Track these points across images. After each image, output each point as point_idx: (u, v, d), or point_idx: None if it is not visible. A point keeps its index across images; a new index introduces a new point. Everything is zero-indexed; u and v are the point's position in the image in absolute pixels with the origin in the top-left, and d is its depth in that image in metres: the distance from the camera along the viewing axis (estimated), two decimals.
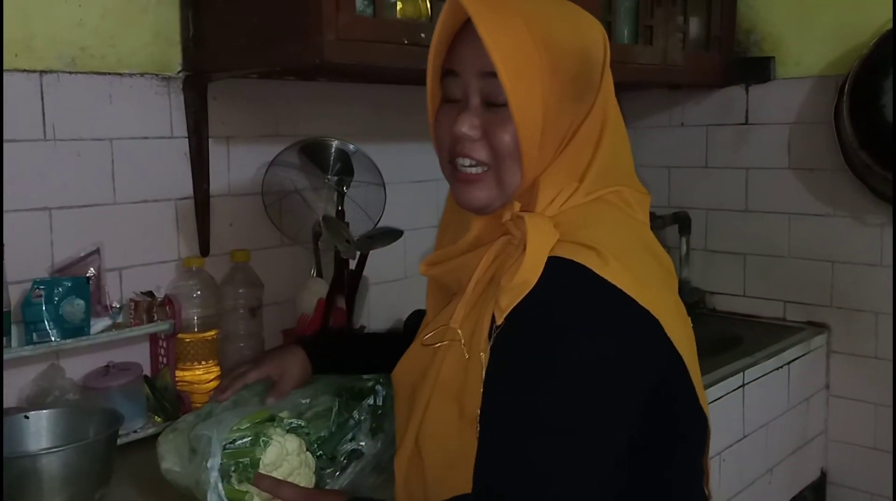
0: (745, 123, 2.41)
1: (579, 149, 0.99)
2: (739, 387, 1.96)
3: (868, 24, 2.14)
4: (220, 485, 1.08)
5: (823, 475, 2.38)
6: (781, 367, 2.13)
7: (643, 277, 0.93)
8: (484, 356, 0.94)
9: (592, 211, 0.98)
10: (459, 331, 0.98)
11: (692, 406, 1.02)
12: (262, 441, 1.12)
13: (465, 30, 0.98)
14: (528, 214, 0.95)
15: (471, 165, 0.99)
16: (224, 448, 1.10)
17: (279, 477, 1.10)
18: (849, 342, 2.31)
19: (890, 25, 2.06)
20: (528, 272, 0.90)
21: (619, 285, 0.89)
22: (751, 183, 2.42)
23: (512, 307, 0.90)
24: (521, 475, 0.86)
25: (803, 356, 2.23)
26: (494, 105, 0.97)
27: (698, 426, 1.05)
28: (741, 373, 1.97)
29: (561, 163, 0.99)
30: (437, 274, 1.09)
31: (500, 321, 0.92)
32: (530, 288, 0.90)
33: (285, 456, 1.13)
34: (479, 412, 0.93)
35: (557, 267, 0.90)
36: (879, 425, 2.28)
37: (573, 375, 0.88)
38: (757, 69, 2.36)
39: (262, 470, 1.10)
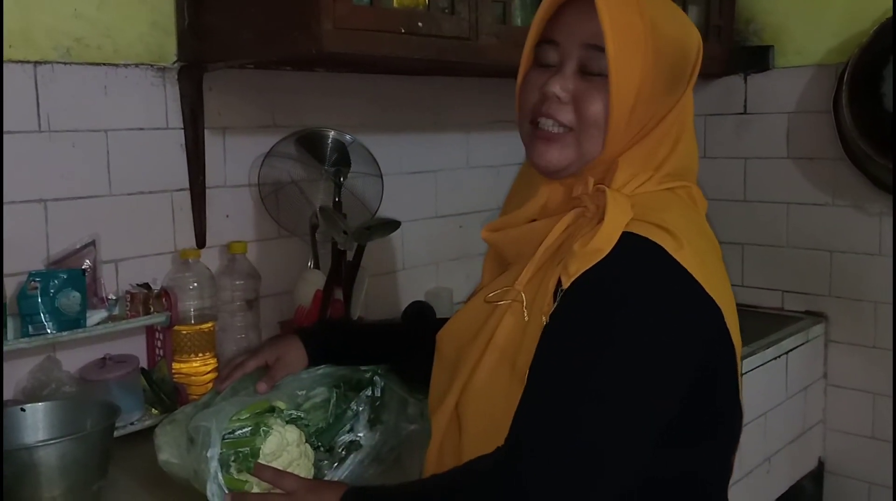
0: (744, 112, 2.41)
1: (660, 139, 1.01)
2: None
3: (868, 13, 2.13)
4: (219, 474, 1.08)
5: (821, 464, 2.39)
6: (780, 356, 2.14)
7: (710, 266, 0.95)
8: (544, 319, 0.95)
9: (664, 199, 1.00)
10: (523, 293, 0.99)
11: (733, 399, 1.03)
12: (263, 430, 1.11)
13: (571, 1, 1.00)
14: (608, 189, 0.96)
15: (553, 125, 1.00)
16: (223, 438, 1.10)
17: (279, 467, 1.10)
18: (847, 331, 2.31)
19: (891, 13, 2.05)
20: (603, 242, 0.91)
21: (690, 270, 0.91)
22: (749, 173, 2.42)
23: (580, 274, 0.92)
24: (558, 434, 0.88)
25: (801, 345, 2.23)
26: (590, 74, 0.98)
27: (735, 421, 1.06)
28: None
29: (641, 148, 1.00)
30: (497, 240, 1.09)
31: (566, 285, 0.93)
32: (601, 257, 0.91)
33: (285, 447, 1.13)
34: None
35: (632, 243, 0.92)
36: (877, 414, 2.28)
37: (630, 348, 0.89)
38: (756, 58, 2.36)
39: (261, 460, 1.10)
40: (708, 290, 0.92)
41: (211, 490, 1.08)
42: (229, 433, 1.11)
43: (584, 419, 0.88)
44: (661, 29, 0.97)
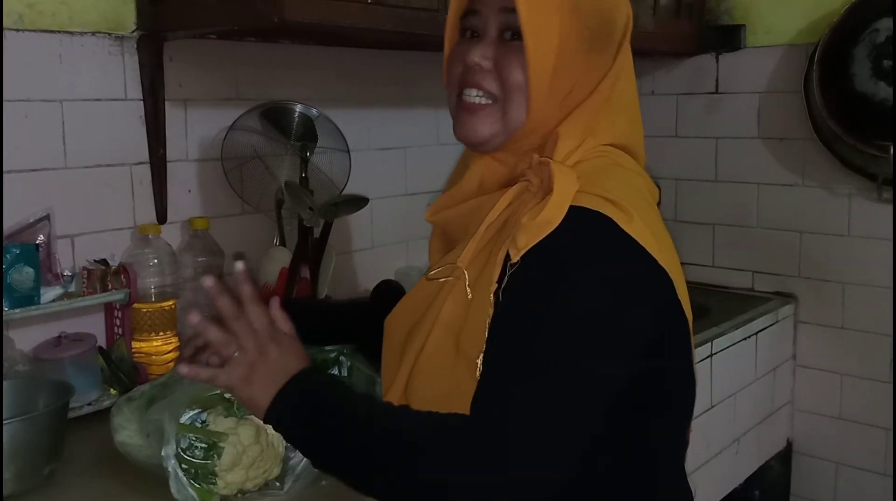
0: (715, 91, 2.40)
1: (597, 110, 0.98)
2: (707, 357, 1.96)
3: None
4: (179, 472, 1.05)
5: (789, 444, 2.40)
6: (749, 337, 2.13)
7: (660, 237, 0.93)
8: (491, 298, 0.92)
9: (604, 167, 0.97)
10: (465, 271, 0.97)
11: (687, 370, 1.02)
12: (216, 452, 1.08)
13: None
14: (552, 161, 0.93)
15: (477, 96, 0.98)
16: (182, 454, 1.07)
17: (243, 471, 1.08)
18: (816, 312, 2.32)
19: None
20: (552, 213, 0.88)
21: (641, 242, 0.89)
22: (720, 152, 2.41)
23: (529, 247, 0.89)
24: (512, 412, 0.84)
25: (771, 326, 2.23)
26: (510, 39, 0.97)
27: (689, 392, 1.05)
28: (709, 343, 1.96)
29: (580, 118, 0.98)
30: (443, 219, 1.07)
31: (515, 259, 0.90)
32: (551, 229, 0.88)
33: (242, 452, 1.09)
34: (477, 352, 0.92)
35: (581, 216, 0.89)
36: (845, 395, 2.30)
37: (580, 322, 0.87)
38: (728, 37, 2.35)
39: (220, 475, 1.07)
40: (661, 262, 0.91)
41: (174, 487, 1.05)
42: (186, 449, 1.07)
43: (543, 393, 0.85)
44: None
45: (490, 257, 0.95)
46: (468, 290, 0.96)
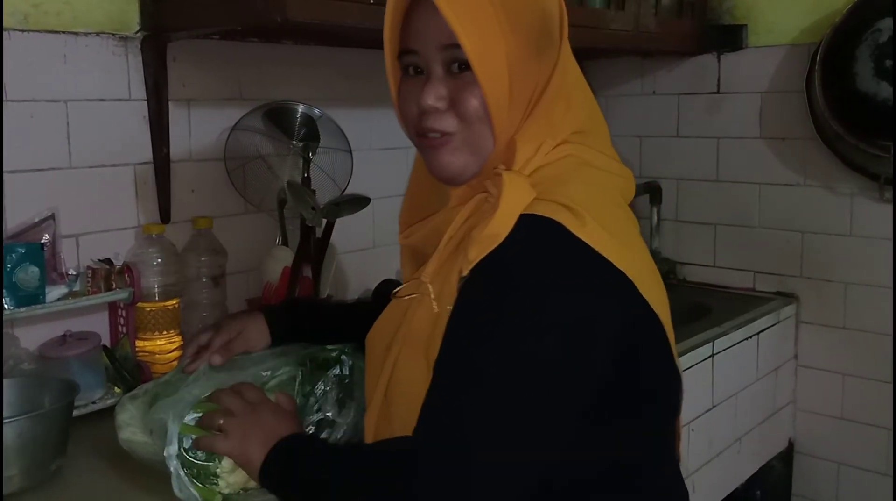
0: (717, 91, 2.40)
1: (550, 106, 0.98)
2: (709, 357, 1.96)
3: None
4: (181, 472, 1.06)
5: (791, 444, 2.40)
6: (751, 337, 2.14)
7: (620, 237, 0.92)
8: (448, 308, 0.93)
9: (566, 170, 0.97)
10: (430, 286, 0.97)
11: (668, 366, 1.01)
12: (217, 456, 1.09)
13: (417, 4, 0.97)
14: (505, 171, 0.94)
15: (439, 136, 0.98)
16: (184, 455, 1.08)
17: (243, 473, 1.08)
18: (818, 312, 2.32)
19: None
20: (499, 226, 0.89)
21: (595, 246, 0.88)
22: (722, 152, 2.41)
23: (479, 259, 0.89)
24: (464, 420, 0.86)
25: (773, 326, 2.23)
26: (459, 72, 0.96)
27: (673, 387, 1.04)
28: (711, 343, 1.96)
29: (535, 121, 0.98)
30: (414, 241, 1.08)
31: (465, 272, 0.91)
32: (499, 241, 0.89)
33: None
34: None
35: (532, 224, 0.89)
36: (847, 395, 2.30)
37: (533, 332, 0.86)
38: (729, 37, 2.34)
39: (222, 476, 1.08)
40: (619, 264, 0.89)
41: (176, 486, 1.06)
42: (188, 450, 1.08)
43: (491, 401, 0.86)
44: (510, 1, 0.94)
45: (450, 271, 0.96)
46: (434, 304, 0.96)
